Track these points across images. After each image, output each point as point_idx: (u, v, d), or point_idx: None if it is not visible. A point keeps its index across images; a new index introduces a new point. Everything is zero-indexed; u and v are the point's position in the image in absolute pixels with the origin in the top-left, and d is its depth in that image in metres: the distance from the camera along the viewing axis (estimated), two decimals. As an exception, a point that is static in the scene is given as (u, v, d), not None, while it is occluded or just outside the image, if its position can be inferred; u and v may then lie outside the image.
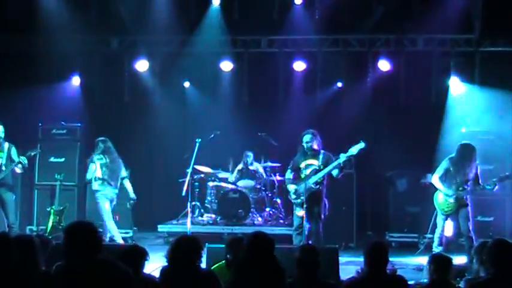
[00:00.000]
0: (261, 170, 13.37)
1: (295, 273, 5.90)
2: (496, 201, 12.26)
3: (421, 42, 13.31)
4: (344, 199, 12.37)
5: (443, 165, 10.17)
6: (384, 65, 13.28)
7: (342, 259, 9.11)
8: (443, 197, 10.10)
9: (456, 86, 13.36)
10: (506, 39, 12.83)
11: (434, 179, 10.20)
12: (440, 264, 6.05)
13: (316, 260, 5.91)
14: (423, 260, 9.54)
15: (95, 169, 11.27)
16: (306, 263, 5.86)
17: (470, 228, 9.95)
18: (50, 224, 11.92)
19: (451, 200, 10.02)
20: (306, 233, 9.88)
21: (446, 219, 10.17)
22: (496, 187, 10.07)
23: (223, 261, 6.78)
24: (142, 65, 13.79)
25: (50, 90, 13.54)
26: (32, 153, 11.45)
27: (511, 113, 12.46)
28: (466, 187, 9.98)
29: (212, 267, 6.76)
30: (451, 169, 10.05)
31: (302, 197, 9.99)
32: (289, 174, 10.45)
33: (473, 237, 9.83)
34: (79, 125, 13.26)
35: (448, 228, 10.30)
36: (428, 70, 13.39)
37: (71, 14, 13.09)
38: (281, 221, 12.94)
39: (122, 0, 13.07)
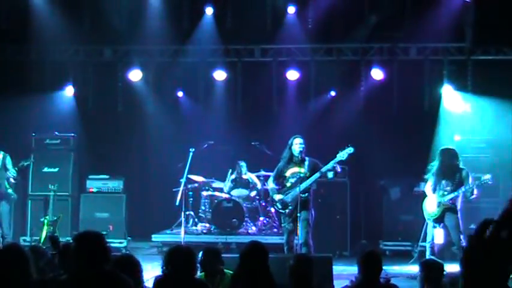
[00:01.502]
0: (255, 180, 13.36)
1: (288, 283, 5.92)
2: (490, 209, 12.28)
3: (413, 50, 13.36)
4: (338, 207, 12.43)
5: (429, 174, 10.21)
6: (377, 74, 13.31)
7: (336, 268, 9.11)
8: (429, 203, 10.10)
9: (449, 94, 13.39)
10: (498, 48, 12.89)
11: (427, 187, 10.23)
12: (431, 269, 6.06)
13: (310, 270, 5.92)
14: (417, 269, 9.63)
15: None
16: (299, 273, 5.86)
17: (462, 237, 9.77)
18: (43, 235, 11.89)
19: (435, 205, 9.99)
20: (297, 244, 9.84)
21: (435, 227, 10.13)
22: (475, 193, 9.90)
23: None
24: (135, 75, 13.80)
25: (44, 100, 13.53)
26: (25, 164, 11.45)
27: (505, 120, 12.51)
28: (448, 192, 9.89)
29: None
30: (435, 177, 10.04)
31: (290, 207, 9.95)
32: (272, 183, 10.34)
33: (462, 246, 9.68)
34: (72, 135, 13.25)
35: (438, 236, 10.21)
36: (420, 78, 13.43)
37: (65, 24, 13.12)
38: (275, 230, 12.93)
39: (115, 11, 13.09)
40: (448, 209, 9.94)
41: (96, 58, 13.84)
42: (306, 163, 10.00)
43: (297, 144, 10.00)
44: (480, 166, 11.51)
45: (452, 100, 13.39)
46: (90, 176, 13.14)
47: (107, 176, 13.12)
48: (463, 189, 9.78)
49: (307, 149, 10.09)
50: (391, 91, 13.47)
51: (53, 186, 12.27)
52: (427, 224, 10.35)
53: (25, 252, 5.54)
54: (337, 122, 13.42)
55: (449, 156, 10.02)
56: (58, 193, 12.36)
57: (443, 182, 9.97)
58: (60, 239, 11.46)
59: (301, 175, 9.90)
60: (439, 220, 10.05)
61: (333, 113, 13.76)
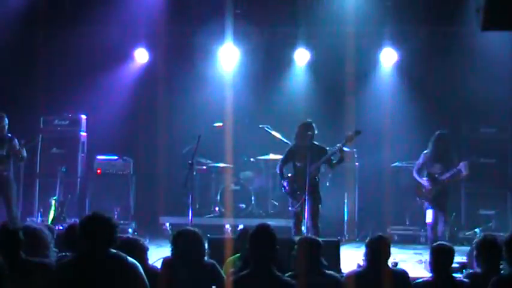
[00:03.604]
0: (263, 163, 13.33)
1: (295, 266, 5.92)
2: (497, 195, 12.33)
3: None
4: (346, 191, 12.41)
5: (419, 160, 10.70)
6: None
7: (344, 252, 9.11)
8: (421, 188, 10.60)
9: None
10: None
11: (413, 173, 10.73)
12: (440, 254, 6.04)
13: (318, 253, 5.91)
14: (425, 253, 9.71)
15: None
16: (307, 255, 5.86)
17: (444, 218, 10.48)
18: (51, 215, 11.92)
19: (427, 188, 10.47)
20: (304, 227, 9.86)
21: (428, 208, 10.57)
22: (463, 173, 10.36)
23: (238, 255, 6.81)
24: (142, 56, 13.80)
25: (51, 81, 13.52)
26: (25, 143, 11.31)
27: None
28: (439, 176, 10.39)
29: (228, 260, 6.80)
30: (429, 161, 10.56)
31: (298, 191, 9.94)
32: (281, 167, 10.38)
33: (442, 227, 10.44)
34: (82, 115, 13.26)
35: (428, 216, 10.61)
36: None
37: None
38: (283, 213, 12.91)
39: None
40: (440, 191, 10.42)
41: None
42: (315, 148, 10.00)
43: (311, 131, 10.01)
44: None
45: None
46: (98, 157, 13.15)
47: (115, 157, 13.13)
48: (453, 171, 10.28)
49: (317, 134, 10.11)
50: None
51: (61, 167, 12.29)
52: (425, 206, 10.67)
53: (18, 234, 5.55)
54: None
55: (444, 140, 10.52)
56: (66, 174, 12.39)
57: (437, 165, 10.48)
58: (67, 220, 11.71)
59: (310, 159, 9.87)
60: (432, 202, 10.48)
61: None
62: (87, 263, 5.03)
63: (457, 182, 11.39)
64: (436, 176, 10.45)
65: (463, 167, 10.26)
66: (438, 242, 6.50)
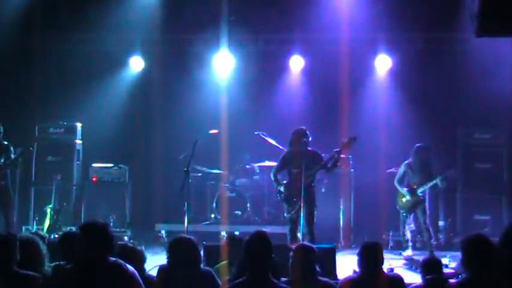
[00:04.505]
0: (258, 169, 13.34)
1: (291, 272, 5.91)
2: (492, 200, 12.37)
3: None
4: (342, 197, 12.42)
5: (401, 170, 11.16)
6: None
7: (340, 258, 9.11)
8: (401, 197, 11.06)
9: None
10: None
11: (395, 182, 11.18)
12: (430, 268, 6.09)
13: (313, 260, 5.91)
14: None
15: None
16: (302, 262, 5.86)
17: (427, 222, 10.96)
18: (47, 224, 11.89)
19: (407, 198, 10.95)
20: (300, 233, 9.84)
21: (406, 217, 11.24)
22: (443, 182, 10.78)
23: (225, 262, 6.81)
24: (137, 63, 13.84)
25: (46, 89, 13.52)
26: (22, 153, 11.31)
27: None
28: (418, 187, 10.85)
29: (215, 266, 6.78)
30: (409, 172, 11.03)
31: (293, 197, 9.95)
32: (276, 173, 10.37)
33: (430, 230, 10.95)
34: (77, 123, 13.26)
35: (410, 225, 11.23)
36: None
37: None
38: (278, 219, 12.91)
39: None
40: (418, 201, 10.90)
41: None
42: (309, 154, 10.01)
43: (307, 138, 10.01)
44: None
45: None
46: (94, 165, 13.15)
47: (111, 165, 13.13)
48: (431, 183, 10.74)
49: (312, 140, 10.12)
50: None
51: (56, 175, 12.27)
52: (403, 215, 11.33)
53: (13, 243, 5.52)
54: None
55: (426, 153, 10.94)
56: (61, 182, 12.37)
57: (417, 176, 10.90)
58: (63, 228, 11.68)
59: (305, 165, 9.86)
60: (411, 211, 11.05)
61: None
62: (86, 271, 5.03)
63: (453, 188, 11.92)
64: (415, 187, 10.87)
65: (438, 181, 10.68)
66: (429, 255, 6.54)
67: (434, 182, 10.71)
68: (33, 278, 5.38)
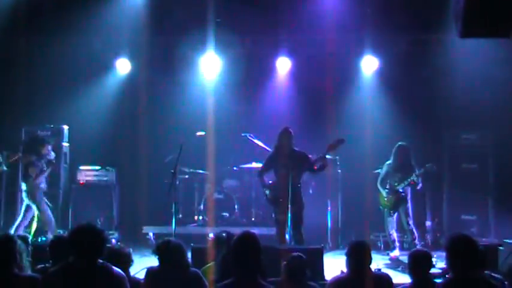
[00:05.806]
0: (245, 170, 13.34)
1: (280, 273, 5.93)
2: (479, 200, 12.43)
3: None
4: (329, 199, 12.44)
5: (382, 170, 11.33)
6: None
7: (327, 259, 9.12)
8: (383, 197, 11.21)
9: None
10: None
11: (377, 183, 11.31)
12: (418, 261, 6.06)
13: (304, 269, 5.95)
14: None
15: None
16: (294, 271, 5.91)
17: (411, 222, 11.08)
18: (34, 227, 11.84)
19: (388, 197, 11.12)
20: (288, 234, 9.84)
21: (390, 216, 11.23)
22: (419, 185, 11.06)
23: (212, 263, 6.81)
24: (124, 66, 13.81)
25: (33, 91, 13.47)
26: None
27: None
28: (399, 183, 11.00)
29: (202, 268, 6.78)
30: (391, 171, 11.18)
31: (281, 199, 9.92)
32: (261, 174, 10.39)
33: (414, 231, 11.06)
34: (64, 126, 13.21)
35: (393, 224, 11.26)
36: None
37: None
38: (266, 221, 12.91)
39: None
40: (399, 197, 11.01)
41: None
42: (296, 155, 10.00)
43: (290, 139, 10.01)
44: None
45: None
46: (81, 167, 13.11)
47: (98, 167, 13.10)
48: (410, 180, 10.89)
49: (298, 140, 10.13)
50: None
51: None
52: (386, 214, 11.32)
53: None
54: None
55: (405, 151, 11.07)
56: (49, 185, 12.31)
57: (398, 174, 11.05)
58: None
59: (292, 165, 9.85)
60: (393, 209, 11.12)
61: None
62: (75, 273, 5.02)
63: (439, 188, 12.23)
64: (396, 184, 11.03)
65: (414, 176, 10.84)
66: (417, 248, 6.53)
67: (412, 178, 10.83)
68: (33, 278, 5.39)
